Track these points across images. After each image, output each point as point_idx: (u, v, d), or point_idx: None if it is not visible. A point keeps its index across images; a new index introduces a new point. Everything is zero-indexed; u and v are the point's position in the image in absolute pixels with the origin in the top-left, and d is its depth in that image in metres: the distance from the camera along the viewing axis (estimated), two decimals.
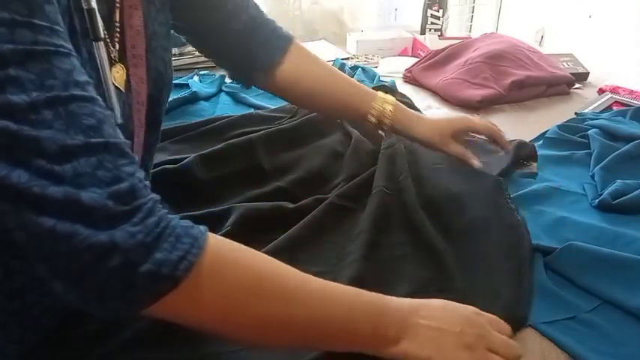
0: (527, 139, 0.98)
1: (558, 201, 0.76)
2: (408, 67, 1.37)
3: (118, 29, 0.46)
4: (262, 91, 1.20)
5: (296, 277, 0.42)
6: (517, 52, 1.27)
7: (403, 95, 1.18)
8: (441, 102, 1.21)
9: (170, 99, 1.09)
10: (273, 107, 1.08)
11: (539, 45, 1.73)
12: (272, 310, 0.39)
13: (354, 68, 1.39)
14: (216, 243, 0.39)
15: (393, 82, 1.28)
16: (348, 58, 1.51)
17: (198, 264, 0.36)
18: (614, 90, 1.19)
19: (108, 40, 0.44)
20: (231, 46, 0.68)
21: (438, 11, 1.69)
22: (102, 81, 0.41)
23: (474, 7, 1.96)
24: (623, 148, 0.87)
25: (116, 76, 0.45)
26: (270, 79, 0.71)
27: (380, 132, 0.78)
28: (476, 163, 0.72)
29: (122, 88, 0.45)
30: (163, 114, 0.57)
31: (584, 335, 0.54)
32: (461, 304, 0.49)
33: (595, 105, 1.14)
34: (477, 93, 1.15)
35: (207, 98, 1.16)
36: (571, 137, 0.96)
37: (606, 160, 0.84)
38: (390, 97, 0.73)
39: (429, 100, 1.22)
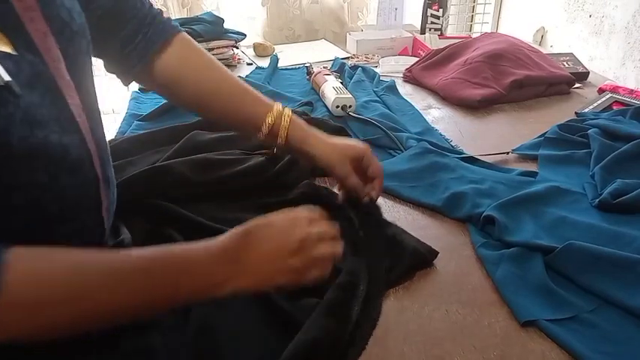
0: (527, 138, 0.99)
1: (558, 200, 0.76)
2: (408, 67, 1.37)
3: None
4: (263, 91, 1.21)
5: (92, 266, 0.42)
6: (517, 52, 1.27)
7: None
8: (441, 101, 1.21)
9: None
10: None
11: (539, 45, 1.73)
12: (85, 305, 0.40)
13: (354, 68, 1.39)
14: (16, 261, 0.37)
15: (393, 82, 1.28)
16: (348, 58, 1.51)
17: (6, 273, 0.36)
18: (614, 89, 1.19)
19: None
20: (96, 27, 0.57)
21: (438, 11, 1.69)
22: None
23: (474, 6, 1.96)
24: (623, 148, 0.87)
25: None
26: (148, 72, 0.64)
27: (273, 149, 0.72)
28: (367, 199, 0.69)
29: (11, 51, 0.40)
30: (90, 68, 0.52)
31: (584, 335, 0.54)
32: (272, 216, 0.51)
33: (595, 104, 1.14)
34: (476, 92, 1.15)
35: None
36: (571, 137, 0.96)
37: (606, 159, 0.84)
38: (287, 110, 0.67)
39: (428, 100, 1.22)
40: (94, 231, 0.51)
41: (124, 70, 0.65)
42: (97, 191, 0.50)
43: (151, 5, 0.66)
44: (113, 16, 0.60)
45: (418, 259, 0.65)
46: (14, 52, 0.40)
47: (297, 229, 0.51)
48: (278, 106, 0.67)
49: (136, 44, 0.62)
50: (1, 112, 0.37)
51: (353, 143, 0.69)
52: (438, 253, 0.66)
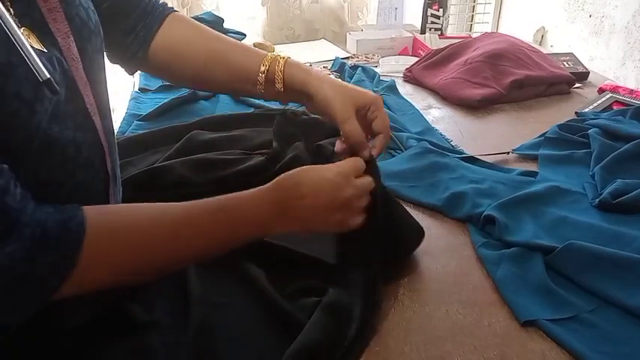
0: (528, 138, 0.99)
1: (559, 200, 0.76)
2: (408, 67, 1.36)
3: None
4: None
5: (166, 217, 0.47)
6: (517, 52, 1.27)
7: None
8: (441, 101, 1.21)
9: (170, 98, 1.11)
10: (274, 107, 1.08)
11: (539, 44, 1.73)
12: (163, 252, 0.46)
13: (354, 68, 1.39)
14: (93, 221, 0.41)
15: (393, 82, 1.28)
16: (348, 58, 1.51)
17: (82, 250, 0.40)
18: (615, 89, 1.19)
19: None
20: (100, 15, 0.57)
21: (438, 10, 1.69)
22: (13, 40, 0.37)
23: (474, 6, 1.96)
24: (623, 148, 0.86)
25: (30, 39, 0.41)
26: (148, 57, 0.65)
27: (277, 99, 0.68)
28: (367, 153, 0.61)
29: (42, 48, 0.42)
30: (103, 67, 0.54)
31: (584, 335, 0.54)
32: (324, 170, 0.54)
33: (595, 104, 1.14)
34: (477, 92, 1.15)
35: (207, 97, 1.16)
36: (571, 137, 0.96)
37: (606, 159, 0.84)
38: (281, 55, 0.64)
39: (429, 100, 1.22)
40: None
41: (128, 59, 0.66)
42: (106, 188, 0.51)
43: (160, 4, 0.67)
44: (118, 7, 0.62)
45: (410, 245, 0.66)
46: (44, 50, 0.42)
47: (347, 188, 0.53)
48: (271, 53, 0.64)
49: (137, 32, 0.64)
50: (38, 107, 0.39)
51: (363, 90, 0.63)
52: (424, 233, 0.67)
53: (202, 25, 0.68)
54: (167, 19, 0.65)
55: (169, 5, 0.68)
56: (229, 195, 0.51)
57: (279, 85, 0.63)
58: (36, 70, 0.38)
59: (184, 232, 0.47)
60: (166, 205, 0.48)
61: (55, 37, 0.43)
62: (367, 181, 0.56)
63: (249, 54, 0.65)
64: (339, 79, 0.66)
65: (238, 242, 0.51)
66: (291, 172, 0.54)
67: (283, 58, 0.63)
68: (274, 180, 0.53)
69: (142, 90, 1.21)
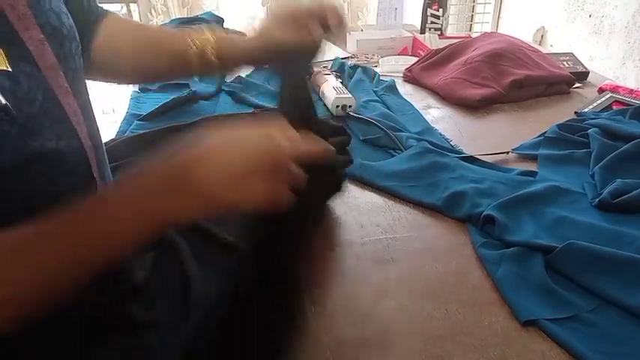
0: (527, 138, 0.99)
1: (558, 200, 0.76)
2: (408, 67, 1.36)
3: None
4: (263, 91, 1.21)
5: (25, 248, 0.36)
6: (517, 52, 1.27)
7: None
8: (441, 101, 1.21)
9: (170, 99, 1.11)
10: (274, 107, 1.08)
11: (539, 44, 1.73)
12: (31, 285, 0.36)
13: (354, 68, 1.39)
14: None
15: (393, 82, 1.28)
16: (348, 58, 1.51)
17: None
18: (614, 89, 1.19)
19: None
20: None
21: (438, 10, 1.69)
22: None
23: (474, 6, 1.96)
24: (622, 148, 0.87)
25: None
26: (90, 64, 0.61)
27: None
28: (318, 34, 0.58)
29: (7, 67, 0.38)
30: (81, 70, 0.51)
31: (584, 334, 0.54)
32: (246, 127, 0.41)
33: (595, 104, 1.14)
34: (476, 92, 1.15)
35: (207, 98, 1.16)
36: (571, 137, 0.96)
37: (606, 159, 0.84)
38: (212, 34, 0.63)
39: (428, 100, 1.22)
40: None
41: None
42: (94, 192, 0.50)
43: (97, 5, 0.65)
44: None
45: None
46: (8, 69, 0.38)
47: (273, 146, 0.40)
48: (203, 32, 0.63)
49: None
50: None
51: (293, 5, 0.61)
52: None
53: (138, 22, 0.67)
54: (101, 24, 0.63)
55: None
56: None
57: (210, 56, 0.62)
58: None
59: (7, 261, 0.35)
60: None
61: (27, 47, 0.41)
62: (298, 146, 0.42)
63: (180, 34, 0.64)
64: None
65: (115, 245, 0.38)
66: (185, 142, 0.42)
67: (212, 31, 0.63)
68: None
69: (142, 90, 1.21)
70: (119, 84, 0.72)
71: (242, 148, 0.40)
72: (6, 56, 0.39)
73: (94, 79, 0.63)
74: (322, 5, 0.60)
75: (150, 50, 0.65)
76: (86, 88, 0.52)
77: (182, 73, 0.69)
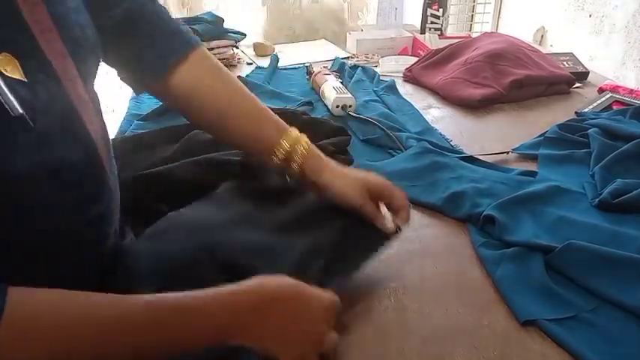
0: (527, 138, 0.99)
1: (558, 200, 0.76)
2: (408, 67, 1.36)
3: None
4: (263, 91, 1.21)
5: (93, 318, 0.40)
6: (517, 52, 1.27)
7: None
8: (441, 101, 1.21)
9: None
10: (274, 107, 1.07)
11: (539, 44, 1.73)
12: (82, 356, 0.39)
13: (354, 67, 1.39)
14: (14, 308, 0.36)
15: (393, 82, 1.28)
16: (348, 58, 1.51)
17: None
18: (614, 89, 1.19)
19: None
20: (108, 37, 0.56)
21: (438, 10, 1.69)
22: None
23: (474, 6, 1.96)
24: (623, 148, 0.87)
25: (7, 68, 0.38)
26: (162, 86, 0.62)
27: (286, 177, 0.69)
28: (390, 226, 0.62)
29: (22, 77, 0.39)
30: (94, 77, 0.52)
31: (584, 334, 0.54)
32: (315, 292, 0.49)
33: (595, 104, 1.14)
34: (476, 92, 1.15)
35: None
36: (571, 136, 0.96)
37: (606, 159, 0.84)
38: (304, 137, 0.64)
39: (428, 100, 1.22)
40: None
41: (137, 83, 0.65)
42: (98, 207, 0.50)
43: (170, 18, 0.64)
44: (126, 28, 0.59)
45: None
46: (24, 79, 0.39)
47: (325, 323, 0.48)
48: (293, 130, 0.64)
49: (150, 61, 0.61)
50: (8, 140, 0.37)
51: (372, 175, 0.65)
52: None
53: (229, 74, 0.66)
54: (191, 57, 0.62)
55: (170, 7, 0.67)
56: (184, 294, 0.44)
57: (296, 167, 0.63)
58: (8, 106, 0.36)
59: (109, 337, 0.40)
60: (97, 301, 0.41)
61: (48, 59, 0.41)
62: (334, 320, 0.50)
63: (272, 125, 0.64)
64: (348, 168, 0.66)
65: (179, 347, 0.43)
66: (276, 279, 0.48)
67: (306, 142, 0.63)
68: (253, 281, 0.47)
69: None
70: (186, 120, 0.70)
71: (305, 321, 0.47)
72: (24, 67, 0.39)
73: (164, 103, 0.65)
74: (393, 187, 0.64)
75: (234, 124, 0.64)
76: (98, 99, 0.52)
77: (256, 156, 0.69)
